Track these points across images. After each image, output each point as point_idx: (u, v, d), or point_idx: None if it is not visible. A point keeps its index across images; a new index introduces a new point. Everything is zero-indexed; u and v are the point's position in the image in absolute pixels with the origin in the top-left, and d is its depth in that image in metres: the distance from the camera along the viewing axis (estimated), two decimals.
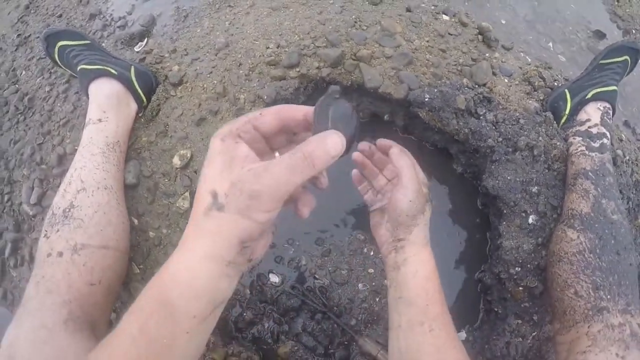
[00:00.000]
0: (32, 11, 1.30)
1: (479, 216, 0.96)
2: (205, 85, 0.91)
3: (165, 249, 0.80)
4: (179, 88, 0.93)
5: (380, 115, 0.97)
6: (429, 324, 0.52)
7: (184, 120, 0.88)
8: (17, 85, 1.16)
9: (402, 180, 0.56)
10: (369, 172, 0.64)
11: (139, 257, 0.81)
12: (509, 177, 0.87)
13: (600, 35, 1.23)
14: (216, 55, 0.95)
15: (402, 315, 0.54)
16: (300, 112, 0.39)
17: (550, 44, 1.14)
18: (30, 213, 0.97)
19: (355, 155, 0.63)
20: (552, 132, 0.91)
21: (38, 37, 1.22)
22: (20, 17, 1.30)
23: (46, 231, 0.72)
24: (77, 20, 1.22)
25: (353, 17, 0.97)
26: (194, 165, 0.84)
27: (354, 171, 0.66)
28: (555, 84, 1.01)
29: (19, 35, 1.25)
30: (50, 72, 1.14)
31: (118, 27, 1.15)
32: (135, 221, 0.83)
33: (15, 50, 1.23)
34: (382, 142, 0.61)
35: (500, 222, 0.87)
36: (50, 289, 0.64)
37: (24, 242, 0.98)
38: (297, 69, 0.89)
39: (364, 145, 0.63)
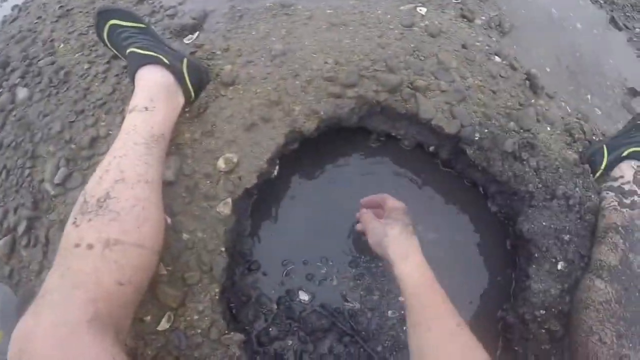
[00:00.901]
0: None
1: (506, 257, 0.96)
2: (258, 91, 0.89)
3: (198, 254, 0.77)
4: (230, 89, 0.91)
5: (425, 147, 0.97)
6: (426, 324, 0.61)
7: (233, 122, 0.86)
8: (53, 57, 1.12)
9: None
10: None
11: (168, 258, 0.77)
12: (544, 223, 0.87)
13: (634, 92, 1.27)
14: (272, 61, 0.94)
15: (407, 317, 0.65)
16: None
17: (589, 97, 1.16)
18: (52, 193, 0.92)
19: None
20: (588, 185, 0.93)
21: (81, 11, 1.19)
22: None
23: (75, 218, 0.67)
24: (123, 1, 1.19)
25: (412, 45, 0.97)
26: (240, 171, 0.82)
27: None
28: (594, 137, 1.03)
29: (61, 6, 1.21)
30: (91, 50, 1.10)
31: (167, 15, 1.12)
32: (168, 220, 0.80)
33: (56, 21, 1.18)
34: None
35: (529, 265, 0.88)
36: (76, 283, 0.59)
37: (40, 222, 0.93)
38: (355, 89, 0.88)
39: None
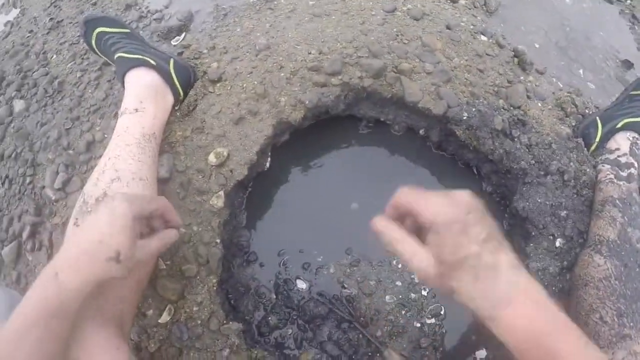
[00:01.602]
0: None
1: (505, 237, 0.96)
2: (245, 85, 0.90)
3: (195, 247, 0.78)
4: (218, 85, 0.92)
5: (416, 130, 0.97)
6: None
7: (221, 118, 0.87)
8: (47, 68, 1.14)
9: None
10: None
11: (166, 253, 0.78)
12: (539, 200, 0.87)
13: (628, 65, 1.25)
14: (257, 56, 0.95)
15: None
16: (173, 218, 0.66)
17: (581, 71, 1.15)
18: (53, 198, 0.95)
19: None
20: (582, 159, 0.91)
21: (71, 22, 1.21)
22: (54, 2, 1.29)
23: (76, 218, 0.70)
24: (112, 9, 1.21)
25: (395, 30, 0.97)
26: (230, 165, 0.83)
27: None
28: (587, 111, 1.02)
29: (51, 19, 1.23)
30: (82, 58, 1.12)
31: (154, 19, 1.14)
32: (182, 229, 0.81)
33: (47, 33, 1.21)
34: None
35: (527, 243, 0.87)
36: None
37: (43, 227, 0.95)
38: (340, 77, 0.88)
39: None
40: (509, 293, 0.42)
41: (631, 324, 0.66)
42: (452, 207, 0.43)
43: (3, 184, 1.03)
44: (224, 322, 0.74)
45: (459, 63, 0.96)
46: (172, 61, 0.90)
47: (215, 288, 0.76)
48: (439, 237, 0.43)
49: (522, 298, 0.42)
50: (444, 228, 0.42)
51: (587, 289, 0.73)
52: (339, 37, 0.95)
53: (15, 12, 1.37)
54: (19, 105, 1.11)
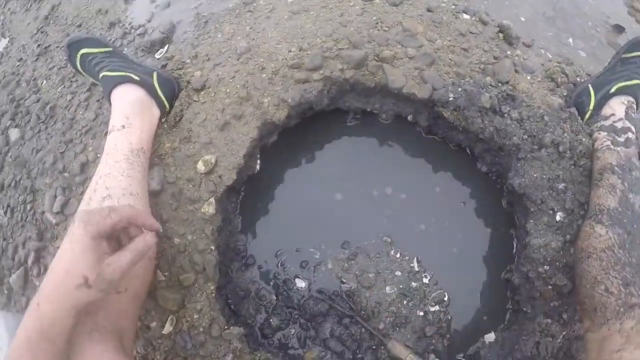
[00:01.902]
0: (51, 21, 1.31)
1: (505, 216, 0.94)
2: (228, 90, 0.89)
3: (190, 256, 0.78)
4: (202, 93, 0.92)
5: (404, 117, 0.96)
6: None
7: (207, 125, 0.87)
8: (38, 95, 1.16)
9: None
10: None
11: (164, 264, 0.79)
12: (535, 175, 0.85)
13: (619, 29, 1.21)
14: (238, 59, 0.94)
15: None
16: (145, 222, 0.60)
17: (570, 40, 1.11)
18: (54, 221, 0.96)
19: None
20: (577, 128, 0.88)
21: (58, 46, 1.23)
22: (40, 28, 1.31)
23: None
24: (96, 29, 1.23)
25: (374, 18, 0.95)
26: (219, 171, 0.83)
27: None
28: (578, 79, 0.99)
29: (38, 45, 1.25)
30: (71, 81, 1.13)
31: (138, 34, 1.15)
32: (160, 228, 0.82)
33: (36, 60, 1.23)
34: None
35: (527, 220, 0.85)
36: None
37: (46, 251, 0.97)
38: (321, 72, 0.87)
39: None
40: None
41: (639, 292, 0.64)
42: None
43: (5, 213, 1.06)
44: (225, 327, 0.74)
45: (442, 44, 0.94)
46: (155, 74, 0.91)
47: (213, 295, 0.76)
48: None
49: None
50: None
51: (590, 260, 0.71)
52: (318, 32, 0.94)
53: (4, 42, 1.39)
54: (14, 134, 1.14)
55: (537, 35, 1.08)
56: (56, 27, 1.28)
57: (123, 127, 0.81)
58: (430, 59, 0.90)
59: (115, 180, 0.74)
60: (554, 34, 1.11)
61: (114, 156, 0.77)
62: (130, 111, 0.83)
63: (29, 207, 1.03)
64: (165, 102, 0.90)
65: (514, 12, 1.12)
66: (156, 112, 0.88)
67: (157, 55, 1.08)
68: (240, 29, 1.03)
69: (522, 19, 1.11)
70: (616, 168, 0.79)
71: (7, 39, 1.38)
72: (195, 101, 0.92)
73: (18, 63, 1.25)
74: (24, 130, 1.13)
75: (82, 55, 0.92)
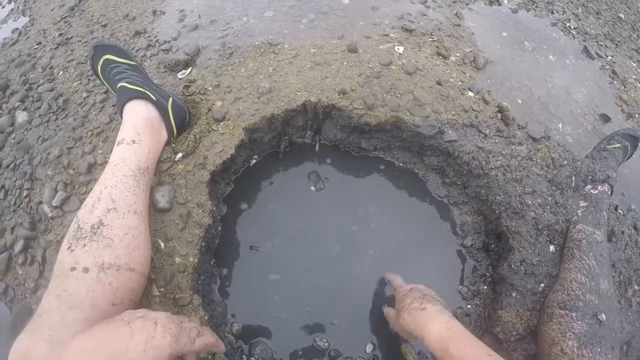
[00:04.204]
0: (77, 14, 1.28)
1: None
2: (246, 126, 0.93)
3: (189, 277, 0.80)
4: (221, 124, 0.94)
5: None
6: None
7: (223, 157, 0.89)
8: (52, 84, 1.13)
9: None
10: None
11: (160, 279, 0.79)
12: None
13: (605, 118, 1.28)
14: (259, 98, 0.98)
15: None
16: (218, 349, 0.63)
17: (560, 125, 1.18)
18: (50, 214, 0.94)
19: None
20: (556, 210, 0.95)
21: (80, 41, 1.20)
22: (64, 17, 1.27)
23: (70, 244, 0.69)
24: (121, 33, 1.22)
25: (389, 83, 1.03)
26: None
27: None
28: (565, 163, 1.06)
29: (60, 34, 1.22)
30: (89, 79, 1.12)
31: (162, 50, 1.15)
32: (162, 244, 0.83)
33: (55, 48, 1.20)
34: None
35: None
36: (73, 304, 0.61)
37: (37, 242, 0.94)
38: None
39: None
40: (428, 323, 0.66)
41: (590, 354, 0.72)
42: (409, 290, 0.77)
43: None
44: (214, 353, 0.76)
45: (446, 117, 1.02)
46: (170, 100, 0.91)
47: (207, 318, 0.77)
48: (401, 299, 0.76)
49: (437, 325, 0.65)
50: (403, 294, 0.76)
51: (551, 324, 0.78)
52: (337, 88, 0.99)
53: (24, 21, 1.34)
54: (21, 116, 1.10)
55: (530, 118, 1.15)
56: (81, 20, 1.25)
57: (133, 142, 0.81)
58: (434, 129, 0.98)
59: (122, 194, 0.73)
60: (546, 118, 1.19)
61: (122, 169, 0.77)
62: (141, 128, 0.83)
63: (24, 193, 0.99)
64: (174, 129, 0.90)
65: (513, 94, 1.20)
66: (164, 135, 0.89)
67: (179, 75, 1.09)
68: (264, 68, 1.07)
69: (519, 101, 1.19)
70: (583, 245, 0.85)
71: (27, 18, 1.33)
72: (215, 130, 0.94)
73: (36, 46, 1.21)
74: (32, 116, 1.09)
75: (105, 60, 0.92)
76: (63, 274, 0.65)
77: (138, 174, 0.77)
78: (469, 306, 0.95)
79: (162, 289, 0.80)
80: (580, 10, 1.69)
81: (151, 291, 0.80)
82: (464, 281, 0.97)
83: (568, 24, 1.57)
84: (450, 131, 0.99)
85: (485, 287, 0.97)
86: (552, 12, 1.61)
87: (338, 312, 0.89)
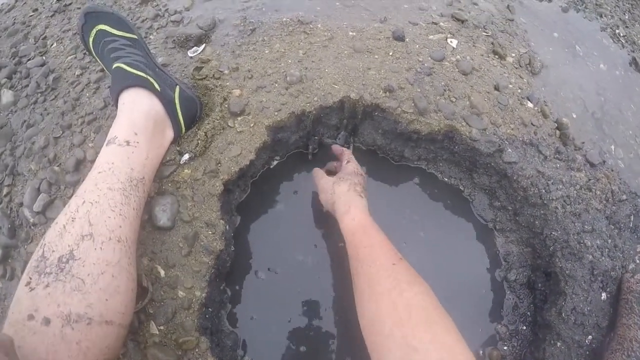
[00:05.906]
0: None
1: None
2: (270, 124, 0.71)
3: (194, 315, 0.61)
4: (239, 119, 0.73)
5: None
6: (361, 267, 0.56)
7: (241, 162, 0.69)
8: (44, 57, 0.92)
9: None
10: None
11: (161, 316, 0.61)
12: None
13: None
14: (287, 89, 0.76)
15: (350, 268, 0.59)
16: None
17: (612, 147, 1.00)
18: (31, 220, 0.75)
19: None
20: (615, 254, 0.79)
21: (79, 7, 0.99)
22: None
23: (30, 278, 0.48)
24: (125, 1, 0.99)
25: (442, 83, 0.80)
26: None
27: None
28: (624, 197, 0.88)
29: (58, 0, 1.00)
30: (85, 54, 0.91)
31: (172, 21, 0.93)
32: (162, 272, 0.63)
33: (52, 16, 0.98)
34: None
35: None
36: None
37: (17, 252, 0.75)
38: None
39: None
40: (348, 206, 0.62)
41: None
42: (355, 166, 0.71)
43: None
44: None
45: (505, 132, 0.80)
46: (177, 89, 0.70)
47: None
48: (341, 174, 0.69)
49: (353, 210, 0.61)
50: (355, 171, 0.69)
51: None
52: (382, 83, 0.77)
53: None
54: (6, 96, 0.90)
55: (586, 137, 0.95)
56: None
57: (127, 143, 0.60)
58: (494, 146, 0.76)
59: (102, 215, 0.53)
60: (600, 137, 0.99)
61: (107, 179, 0.56)
62: (140, 125, 0.62)
63: (5, 191, 0.80)
64: (183, 126, 0.69)
65: (567, 105, 0.99)
66: (169, 135, 0.68)
67: (190, 53, 0.87)
68: (292, 51, 0.84)
69: (574, 116, 0.98)
70: None
71: None
72: (231, 127, 0.73)
73: (32, 13, 1.00)
74: (18, 96, 0.89)
75: (98, 32, 0.69)
76: (18, 322, 0.45)
77: (128, 188, 0.57)
78: (505, 347, 0.76)
79: (162, 327, 0.61)
80: (627, 17, 1.41)
81: (149, 329, 0.62)
82: (503, 319, 0.78)
83: (617, 31, 1.31)
84: (510, 149, 0.77)
85: (525, 328, 0.78)
86: (601, 16, 1.33)
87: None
